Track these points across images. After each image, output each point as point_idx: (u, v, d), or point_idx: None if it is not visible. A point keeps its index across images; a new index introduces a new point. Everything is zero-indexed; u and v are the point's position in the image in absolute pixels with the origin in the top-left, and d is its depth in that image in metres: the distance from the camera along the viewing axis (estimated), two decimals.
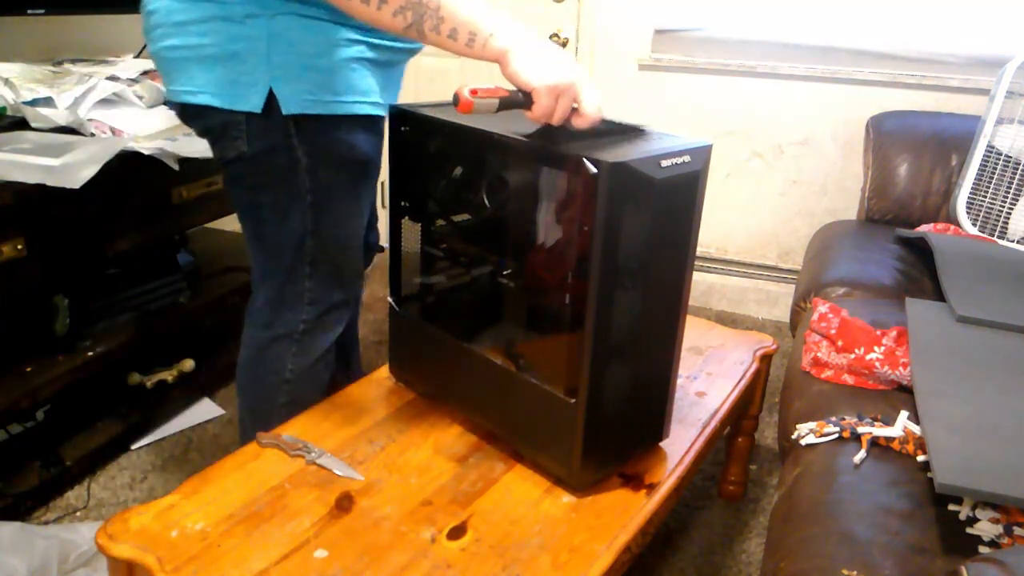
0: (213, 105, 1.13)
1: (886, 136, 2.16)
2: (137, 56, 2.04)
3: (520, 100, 0.99)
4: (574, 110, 1.01)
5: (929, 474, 1.09)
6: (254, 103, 1.11)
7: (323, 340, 1.33)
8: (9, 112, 1.66)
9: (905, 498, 1.04)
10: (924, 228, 1.96)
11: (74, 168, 1.46)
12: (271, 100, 1.11)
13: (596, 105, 1.01)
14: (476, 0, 1.00)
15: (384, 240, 1.49)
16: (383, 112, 1.22)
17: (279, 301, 1.29)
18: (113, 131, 1.69)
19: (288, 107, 1.12)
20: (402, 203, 1.23)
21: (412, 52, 1.26)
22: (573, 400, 1.03)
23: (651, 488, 1.13)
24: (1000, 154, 1.97)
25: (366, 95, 1.18)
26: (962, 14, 2.28)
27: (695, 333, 1.64)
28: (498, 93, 0.98)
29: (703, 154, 1.03)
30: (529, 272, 1.06)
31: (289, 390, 1.32)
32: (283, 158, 1.17)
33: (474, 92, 0.96)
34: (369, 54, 1.16)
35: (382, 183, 2.70)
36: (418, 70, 2.81)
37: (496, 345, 1.14)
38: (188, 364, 1.99)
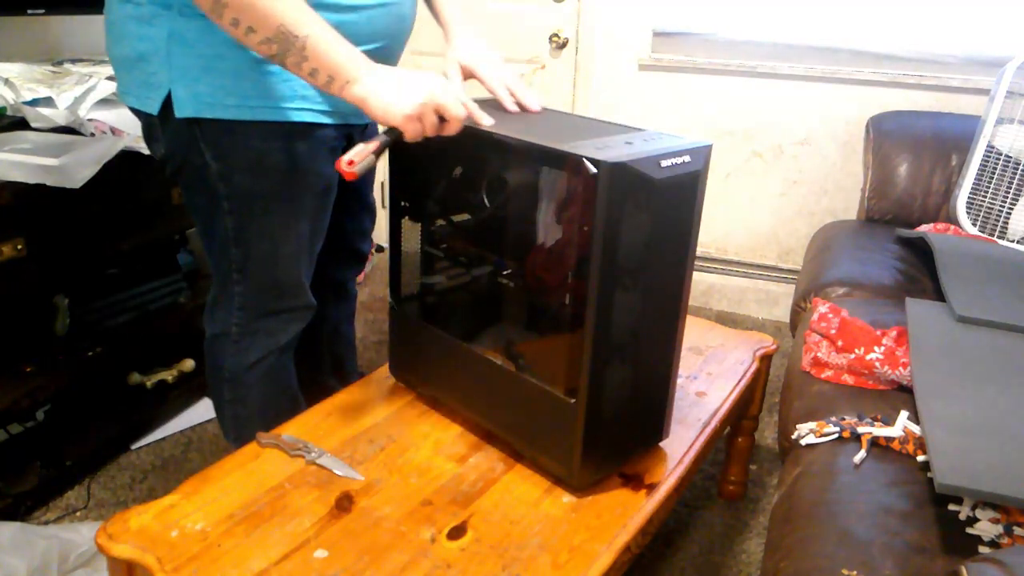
0: (134, 106, 1.16)
1: (886, 136, 2.16)
2: None
3: (391, 138, 1.06)
4: (443, 120, 1.06)
5: (929, 474, 1.09)
6: (155, 105, 1.11)
7: (264, 344, 1.30)
8: (9, 112, 1.66)
9: (905, 498, 1.04)
10: (924, 228, 1.96)
11: (74, 168, 1.46)
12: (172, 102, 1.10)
13: (458, 107, 1.05)
14: (346, 45, 1.02)
15: (384, 240, 1.49)
16: (320, 119, 1.16)
17: (216, 301, 1.30)
18: (113, 131, 1.69)
19: (182, 110, 1.09)
20: (402, 203, 1.23)
21: (374, 58, 1.13)
22: (573, 400, 1.03)
23: (651, 488, 1.13)
24: (1000, 154, 1.97)
25: (285, 100, 1.12)
26: (962, 14, 2.28)
27: (695, 333, 1.64)
28: (369, 149, 1.04)
29: (703, 154, 1.03)
30: (529, 272, 1.06)
31: (231, 388, 1.33)
32: (196, 162, 1.15)
33: (351, 163, 1.03)
34: None
35: (382, 183, 2.70)
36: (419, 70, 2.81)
37: (496, 345, 1.14)
38: (188, 364, 1.99)
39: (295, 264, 1.26)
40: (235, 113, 1.10)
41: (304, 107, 1.14)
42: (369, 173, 1.45)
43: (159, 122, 1.13)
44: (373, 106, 1.03)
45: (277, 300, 1.28)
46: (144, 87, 1.11)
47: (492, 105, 1.22)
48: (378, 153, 1.06)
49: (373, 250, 1.63)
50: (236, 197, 1.17)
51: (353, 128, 1.28)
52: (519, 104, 1.22)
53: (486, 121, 1.08)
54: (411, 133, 1.05)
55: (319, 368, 1.59)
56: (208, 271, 2.10)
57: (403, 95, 1.03)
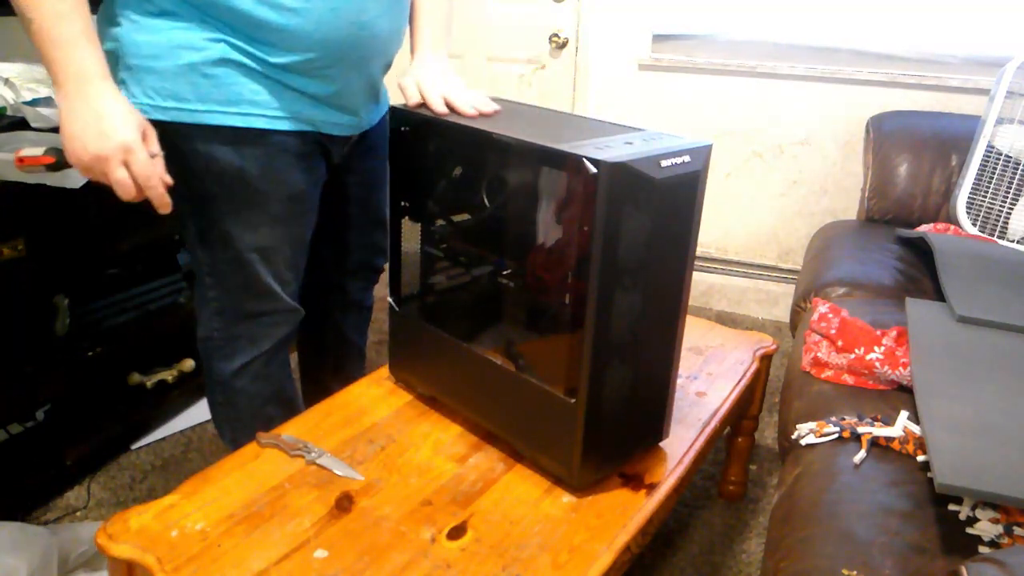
0: None
1: (886, 136, 2.16)
2: None
3: (64, 160, 1.02)
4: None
5: (929, 474, 1.09)
6: None
7: (247, 349, 1.27)
8: (9, 112, 1.66)
9: (905, 498, 1.04)
10: (924, 228, 1.96)
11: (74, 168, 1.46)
12: None
13: (144, 170, 1.00)
14: (71, 47, 0.95)
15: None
16: (273, 125, 1.12)
17: (197, 303, 1.28)
18: None
19: None
20: (402, 203, 1.23)
21: (319, 67, 1.12)
22: (573, 400, 1.03)
23: (651, 488, 1.13)
24: (1000, 154, 1.97)
25: (229, 104, 1.09)
26: (962, 14, 2.28)
27: (695, 333, 1.64)
28: (44, 160, 1.02)
29: (703, 154, 1.03)
30: (529, 272, 1.06)
31: (221, 392, 1.32)
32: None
33: (22, 160, 1.01)
34: (239, 58, 1.08)
35: None
36: None
37: (496, 345, 1.14)
38: (188, 364, 1.99)
39: (263, 269, 1.22)
40: (175, 116, 1.08)
41: (253, 112, 1.10)
42: (382, 188, 1.43)
43: None
44: (61, 127, 0.98)
45: (251, 304, 1.25)
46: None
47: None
48: (51, 168, 1.02)
49: None
50: (193, 200, 1.15)
51: (332, 139, 1.23)
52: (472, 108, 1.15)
53: (163, 209, 1.04)
54: (80, 172, 1.00)
55: (321, 371, 1.59)
56: None
57: (89, 136, 0.97)
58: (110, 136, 0.97)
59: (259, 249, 1.20)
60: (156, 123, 1.07)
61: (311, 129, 1.18)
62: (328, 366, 1.58)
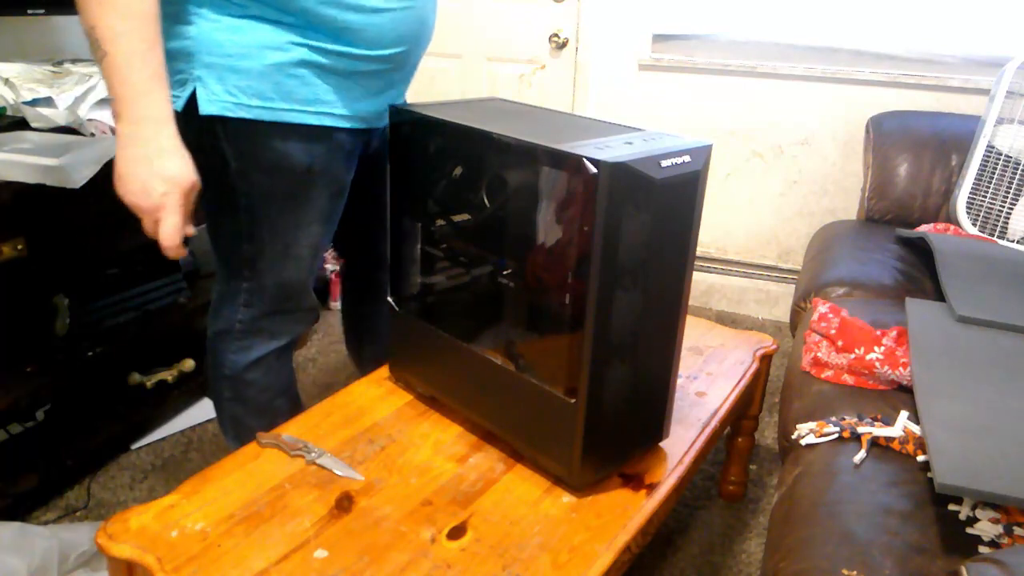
0: None
1: (886, 136, 2.16)
2: None
3: None
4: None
5: (929, 474, 1.09)
6: (179, 102, 1.11)
7: (265, 343, 1.30)
8: (9, 112, 1.66)
9: (905, 498, 1.04)
10: (924, 228, 1.96)
11: (74, 168, 1.46)
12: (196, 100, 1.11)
13: (169, 234, 1.05)
14: (138, 86, 0.98)
15: None
16: (339, 123, 1.18)
17: (221, 296, 1.30)
18: (113, 131, 1.69)
19: (205, 108, 1.10)
20: (402, 203, 1.23)
21: (397, 61, 1.20)
22: (573, 400, 1.03)
23: (651, 488, 1.13)
24: (1000, 154, 1.97)
25: (307, 104, 1.13)
26: (962, 14, 2.28)
27: (695, 333, 1.64)
28: None
29: (703, 154, 1.03)
30: (529, 272, 1.06)
31: (231, 386, 1.33)
32: (214, 159, 1.15)
33: None
34: (318, 59, 1.12)
35: None
36: (419, 70, 2.81)
37: (496, 345, 1.14)
38: (188, 364, 1.99)
39: (304, 264, 1.27)
40: (258, 114, 1.11)
41: (324, 111, 1.15)
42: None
43: (182, 119, 1.13)
44: (117, 159, 1.02)
45: (283, 300, 1.28)
46: (173, 84, 1.11)
47: (487, 108, 1.22)
48: None
49: None
50: (253, 196, 1.18)
51: (373, 132, 1.29)
52: None
53: (173, 254, 1.08)
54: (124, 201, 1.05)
55: (359, 360, 1.61)
56: (209, 270, 2.10)
57: (138, 179, 1.01)
58: (172, 187, 1.03)
59: (308, 244, 1.25)
60: (234, 120, 1.11)
61: (366, 126, 1.23)
62: (364, 352, 1.60)
